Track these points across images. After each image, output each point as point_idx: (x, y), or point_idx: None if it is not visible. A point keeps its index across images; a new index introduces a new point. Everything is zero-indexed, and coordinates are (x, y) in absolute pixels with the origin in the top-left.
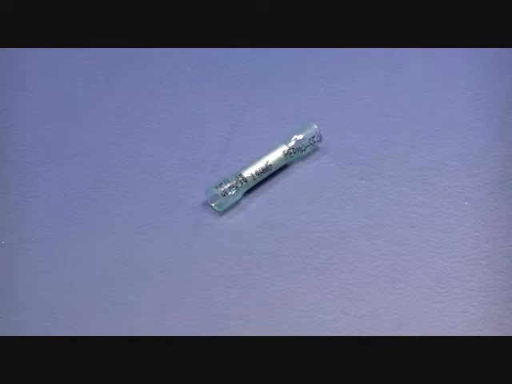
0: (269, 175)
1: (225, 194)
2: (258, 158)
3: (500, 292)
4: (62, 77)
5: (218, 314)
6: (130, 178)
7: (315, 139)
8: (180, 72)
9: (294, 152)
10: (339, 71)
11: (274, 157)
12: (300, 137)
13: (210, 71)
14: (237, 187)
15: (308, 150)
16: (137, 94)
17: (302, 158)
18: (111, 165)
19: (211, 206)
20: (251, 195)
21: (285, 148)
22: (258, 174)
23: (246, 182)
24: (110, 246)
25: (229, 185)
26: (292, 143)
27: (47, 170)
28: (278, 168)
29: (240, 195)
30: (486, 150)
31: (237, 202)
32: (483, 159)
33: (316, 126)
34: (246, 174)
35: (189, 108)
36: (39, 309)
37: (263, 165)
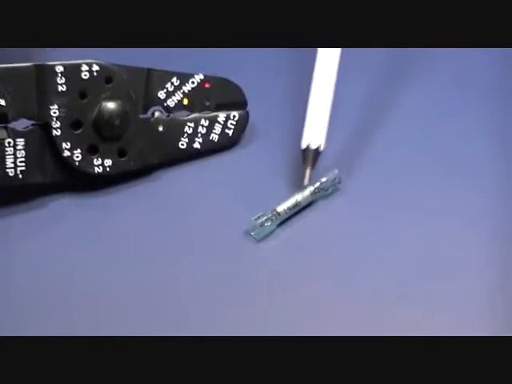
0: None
1: (262, 224)
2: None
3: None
4: None
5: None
6: None
7: (336, 181)
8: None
9: (318, 191)
10: None
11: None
12: (323, 179)
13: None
14: (272, 219)
15: (330, 190)
16: None
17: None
18: None
19: (251, 235)
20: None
21: (311, 188)
22: (289, 208)
23: (279, 215)
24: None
25: (265, 217)
26: (317, 184)
27: None
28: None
29: (274, 226)
30: None
31: (271, 232)
32: None
33: (337, 171)
34: (280, 209)
35: None
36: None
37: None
